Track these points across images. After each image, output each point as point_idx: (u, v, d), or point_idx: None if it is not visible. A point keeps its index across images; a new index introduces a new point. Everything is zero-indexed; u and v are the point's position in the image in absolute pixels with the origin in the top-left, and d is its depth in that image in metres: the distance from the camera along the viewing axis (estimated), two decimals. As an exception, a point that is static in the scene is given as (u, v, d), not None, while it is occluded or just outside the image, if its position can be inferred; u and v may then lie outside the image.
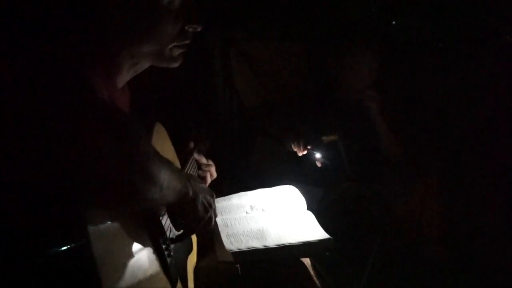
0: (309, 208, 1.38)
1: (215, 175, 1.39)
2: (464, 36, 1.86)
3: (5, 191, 0.59)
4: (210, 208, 0.93)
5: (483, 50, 1.81)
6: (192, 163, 1.30)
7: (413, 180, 1.81)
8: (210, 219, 0.93)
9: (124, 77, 0.87)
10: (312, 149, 1.75)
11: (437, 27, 1.94)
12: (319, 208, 1.38)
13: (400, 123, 1.83)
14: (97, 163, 0.60)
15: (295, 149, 1.79)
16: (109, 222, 0.66)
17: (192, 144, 1.36)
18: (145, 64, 0.88)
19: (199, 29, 0.88)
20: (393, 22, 1.99)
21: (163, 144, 1.12)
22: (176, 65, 0.90)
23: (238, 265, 1.13)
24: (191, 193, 0.84)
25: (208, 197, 0.93)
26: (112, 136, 0.63)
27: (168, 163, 0.76)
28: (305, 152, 1.76)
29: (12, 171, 0.59)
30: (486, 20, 1.80)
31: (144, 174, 0.67)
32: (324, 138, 1.84)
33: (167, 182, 0.73)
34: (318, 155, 1.75)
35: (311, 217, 1.32)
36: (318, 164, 1.76)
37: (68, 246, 0.57)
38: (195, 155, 1.35)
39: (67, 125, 0.59)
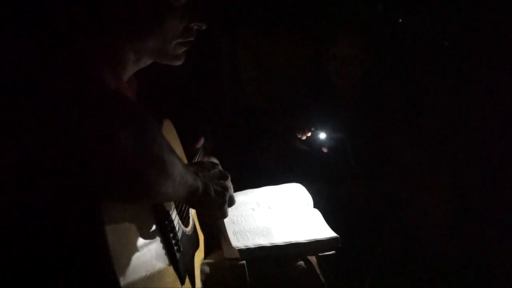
0: (315, 206, 1.38)
1: None
2: (470, 36, 1.86)
3: (22, 184, 0.59)
4: (225, 191, 0.93)
5: (488, 49, 1.80)
6: (199, 160, 1.30)
7: (420, 178, 1.81)
8: (231, 198, 0.95)
9: (129, 71, 0.87)
10: (316, 129, 1.76)
11: (443, 26, 1.93)
12: (326, 206, 1.37)
13: (407, 123, 1.83)
14: (115, 155, 0.60)
15: (299, 135, 1.79)
16: (122, 214, 0.65)
17: (202, 141, 1.36)
18: (147, 60, 0.88)
19: (204, 27, 0.87)
20: (400, 20, 1.99)
21: (171, 140, 1.12)
22: (178, 63, 0.90)
23: (245, 262, 1.14)
24: (201, 187, 0.85)
25: (221, 182, 0.94)
26: (131, 129, 0.62)
27: (179, 158, 0.76)
28: (309, 135, 1.76)
29: (29, 165, 0.59)
30: (492, 20, 1.79)
31: (160, 167, 0.67)
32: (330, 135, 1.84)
33: (179, 177, 0.74)
34: (322, 136, 1.75)
35: (317, 215, 1.32)
36: (325, 150, 1.76)
37: (85, 238, 0.57)
38: (202, 153, 1.35)
39: (84, 117, 0.58)
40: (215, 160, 1.40)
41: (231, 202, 0.95)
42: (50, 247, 0.58)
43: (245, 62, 2.01)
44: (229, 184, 0.97)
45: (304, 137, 1.79)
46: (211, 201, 0.88)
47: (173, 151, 0.73)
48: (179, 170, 0.74)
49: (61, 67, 0.63)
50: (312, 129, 1.77)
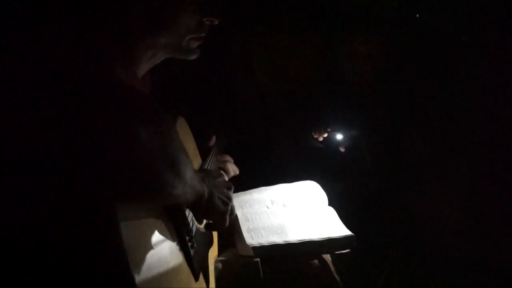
0: (330, 203, 1.37)
1: (237, 170, 1.39)
2: (489, 30, 1.82)
3: (36, 182, 0.59)
4: (229, 201, 0.93)
5: (509, 45, 1.77)
6: (213, 158, 1.30)
7: (435, 177, 1.79)
8: (231, 210, 0.94)
9: (143, 68, 0.86)
10: (333, 131, 1.74)
11: (461, 21, 1.90)
12: (341, 204, 1.36)
13: (422, 121, 1.81)
14: (133, 153, 0.60)
15: (316, 135, 1.78)
16: (137, 211, 0.66)
17: (214, 140, 1.36)
18: (162, 56, 0.87)
19: (216, 22, 0.87)
20: (417, 16, 1.96)
21: (185, 138, 1.12)
22: (193, 57, 0.89)
23: (259, 260, 1.13)
24: (206, 194, 0.83)
25: (225, 191, 0.93)
26: (150, 127, 0.62)
27: (190, 160, 0.76)
28: (325, 135, 1.76)
29: (44, 164, 0.59)
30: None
31: (175, 168, 0.67)
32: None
33: (190, 180, 0.73)
34: (339, 137, 1.74)
35: (332, 213, 1.31)
36: (342, 150, 1.75)
37: (99, 234, 0.57)
38: (217, 151, 1.35)
39: (100, 116, 0.58)
40: (229, 158, 1.40)
41: (232, 213, 0.94)
42: (65, 244, 0.58)
43: (259, 60, 2.01)
44: (232, 195, 0.96)
45: (321, 138, 1.78)
46: (214, 209, 0.87)
47: (186, 152, 0.73)
48: (190, 173, 0.73)
49: (77, 64, 0.63)
50: (329, 129, 1.76)
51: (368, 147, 1.84)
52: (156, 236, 0.70)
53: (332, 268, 1.25)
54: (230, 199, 0.93)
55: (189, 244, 0.83)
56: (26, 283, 0.58)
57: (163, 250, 0.71)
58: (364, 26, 1.90)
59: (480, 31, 1.84)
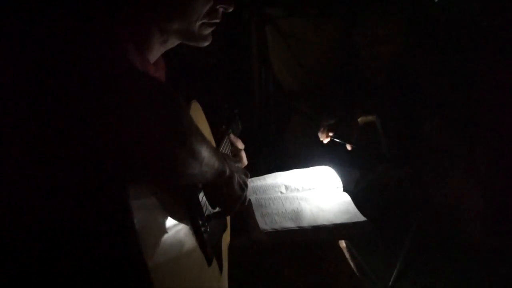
0: (345, 189, 1.36)
1: (245, 161, 1.38)
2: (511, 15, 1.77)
3: (47, 164, 0.59)
4: (245, 187, 0.93)
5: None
6: (227, 143, 1.29)
7: (454, 162, 1.76)
8: (245, 198, 0.94)
9: (156, 53, 0.86)
10: (334, 136, 1.73)
11: (481, 4, 1.85)
12: (356, 189, 1.35)
13: (440, 106, 1.78)
14: (141, 134, 0.60)
15: (319, 135, 1.77)
16: (149, 195, 0.65)
17: (224, 125, 1.35)
18: (174, 41, 0.86)
19: (230, 10, 0.86)
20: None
21: (199, 121, 1.11)
22: (205, 44, 0.88)
23: (272, 245, 1.13)
24: (227, 172, 0.84)
25: (243, 177, 0.93)
26: (160, 107, 0.62)
27: (207, 140, 0.76)
28: (328, 140, 1.75)
29: (55, 146, 0.59)
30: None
31: (186, 147, 0.67)
32: (361, 119, 1.80)
33: (207, 159, 0.73)
34: (340, 142, 1.74)
35: (347, 198, 1.29)
36: (348, 148, 1.74)
37: (111, 218, 0.57)
38: (231, 137, 1.34)
39: (110, 97, 0.58)
40: (241, 143, 1.39)
41: (245, 201, 0.94)
42: (75, 225, 0.58)
43: (274, 43, 1.99)
44: (248, 182, 0.95)
45: (325, 141, 1.76)
46: (231, 191, 0.87)
47: (200, 132, 0.73)
48: (207, 152, 0.73)
49: (87, 47, 0.62)
50: (330, 134, 1.74)
51: (384, 131, 1.82)
52: (169, 220, 0.70)
53: (347, 254, 1.24)
54: (246, 185, 0.92)
55: (202, 228, 0.83)
56: (35, 264, 0.58)
57: (176, 234, 0.71)
58: (382, 9, 1.86)
59: (501, 15, 1.79)
